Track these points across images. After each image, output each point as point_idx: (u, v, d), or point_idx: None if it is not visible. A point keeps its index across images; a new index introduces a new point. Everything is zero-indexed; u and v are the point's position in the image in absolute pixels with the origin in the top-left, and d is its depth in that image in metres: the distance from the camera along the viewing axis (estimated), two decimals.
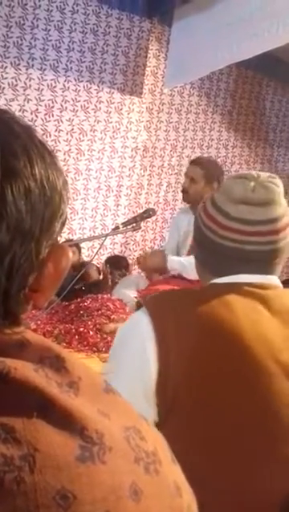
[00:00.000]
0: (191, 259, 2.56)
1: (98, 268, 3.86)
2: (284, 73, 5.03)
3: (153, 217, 4.65)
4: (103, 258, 4.07)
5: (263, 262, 1.03)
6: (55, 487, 0.35)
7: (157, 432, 0.47)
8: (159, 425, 0.92)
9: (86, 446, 0.38)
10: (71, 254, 0.52)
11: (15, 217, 0.42)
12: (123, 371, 0.97)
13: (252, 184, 1.02)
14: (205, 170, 2.84)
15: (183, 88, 4.80)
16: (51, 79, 4.16)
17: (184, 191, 2.90)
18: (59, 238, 0.51)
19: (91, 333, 2.05)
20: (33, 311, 2.45)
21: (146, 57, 4.53)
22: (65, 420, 0.39)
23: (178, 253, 3.00)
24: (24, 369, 0.40)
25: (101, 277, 3.77)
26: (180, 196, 4.76)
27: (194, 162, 2.99)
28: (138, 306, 1.03)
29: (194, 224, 1.12)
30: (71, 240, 4.01)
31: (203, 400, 0.91)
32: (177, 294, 1.08)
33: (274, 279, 1.06)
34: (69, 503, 0.35)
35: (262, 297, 1.00)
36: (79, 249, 3.89)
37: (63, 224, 0.49)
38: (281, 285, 1.07)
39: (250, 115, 5.22)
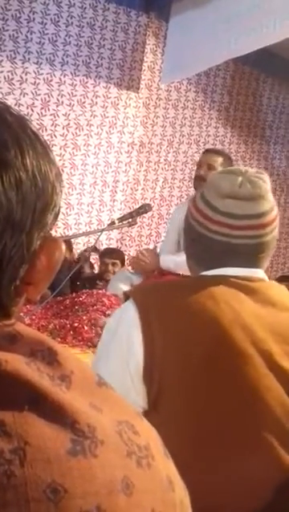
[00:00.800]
0: (184, 255, 2.55)
1: (91, 264, 3.85)
2: (281, 69, 5.02)
3: (149, 213, 4.65)
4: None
5: (250, 255, 1.05)
6: (46, 481, 0.35)
7: (151, 427, 0.47)
8: (148, 413, 0.94)
9: (77, 440, 0.38)
10: (64, 247, 0.51)
11: (6, 208, 0.41)
12: (111, 359, 1.00)
13: (239, 179, 1.05)
14: (223, 157, 2.81)
15: (180, 84, 4.79)
16: (47, 73, 4.13)
17: (200, 179, 2.81)
18: (52, 231, 0.50)
19: (85, 328, 2.05)
20: (27, 306, 2.45)
21: (143, 52, 4.51)
22: (56, 413, 0.38)
23: (179, 248, 2.97)
24: (15, 362, 0.40)
25: (96, 271, 3.77)
26: (176, 192, 4.79)
27: (211, 150, 2.98)
28: (126, 297, 1.06)
29: (185, 218, 1.14)
30: (67, 235, 4.00)
31: (185, 388, 0.93)
32: (163, 285, 1.13)
33: (260, 272, 1.08)
34: (60, 497, 0.35)
35: (246, 288, 1.02)
36: (70, 247, 3.84)
37: (56, 216, 0.49)
38: (267, 278, 1.09)
39: (247, 112, 5.21)
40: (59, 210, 0.48)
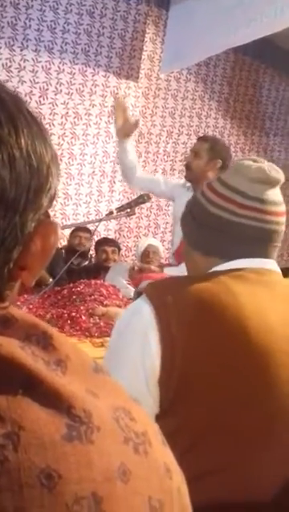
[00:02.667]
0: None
1: (84, 253, 3.82)
2: (282, 61, 4.99)
3: (148, 204, 4.63)
4: None
5: (267, 242, 1.03)
6: (40, 466, 0.34)
7: (148, 414, 0.46)
8: (160, 417, 0.91)
9: (73, 425, 0.37)
10: (60, 231, 0.50)
11: None
12: (125, 362, 0.95)
13: (264, 165, 1.04)
14: (209, 145, 2.74)
15: (180, 74, 4.75)
16: (46, 61, 4.09)
17: (187, 166, 2.79)
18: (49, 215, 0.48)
19: (83, 318, 2.02)
20: (25, 295, 2.43)
21: (143, 41, 4.47)
22: (51, 398, 0.38)
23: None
24: (10, 346, 0.39)
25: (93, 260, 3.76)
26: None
27: (201, 138, 2.94)
28: (138, 294, 1.00)
29: (196, 208, 1.08)
30: (65, 225, 3.97)
31: (209, 388, 0.90)
32: (178, 282, 1.05)
33: (274, 264, 1.05)
34: (54, 483, 0.34)
35: (263, 283, 0.99)
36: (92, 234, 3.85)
37: (52, 199, 0.47)
38: (278, 269, 1.06)
39: (247, 103, 5.18)
40: (54, 194, 0.47)
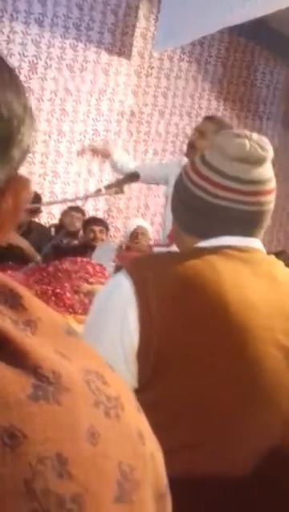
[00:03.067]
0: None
1: (75, 232, 3.78)
2: (277, 43, 4.92)
3: (138, 185, 4.58)
4: None
5: (251, 223, 1.01)
6: (3, 425, 0.33)
7: (122, 380, 0.44)
8: (139, 392, 0.89)
9: (40, 385, 0.36)
10: (31, 188, 0.46)
11: None
12: (103, 337, 0.94)
13: (247, 142, 0.99)
14: (216, 127, 2.65)
15: (173, 53, 4.66)
16: (36, 34, 3.99)
17: (190, 145, 2.70)
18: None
19: (68, 294, 1.99)
20: (9, 272, 2.38)
21: (136, 17, 4.38)
22: (18, 357, 0.36)
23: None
24: None
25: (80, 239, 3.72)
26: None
27: (208, 118, 2.87)
28: (117, 269, 0.98)
29: (179, 185, 1.07)
30: (53, 201, 3.92)
31: (187, 364, 0.89)
32: (158, 257, 1.06)
33: (258, 243, 1.04)
34: (17, 442, 0.33)
35: (247, 260, 0.98)
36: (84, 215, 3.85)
37: (25, 154, 0.45)
38: (263, 248, 1.05)
39: (241, 85, 5.11)
40: (27, 148, 0.45)
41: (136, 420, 0.42)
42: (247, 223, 1.00)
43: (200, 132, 2.66)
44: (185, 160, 2.77)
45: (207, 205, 0.99)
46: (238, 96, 5.12)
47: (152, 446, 0.42)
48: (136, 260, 1.01)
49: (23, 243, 3.05)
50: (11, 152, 0.42)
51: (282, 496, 0.88)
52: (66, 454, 0.34)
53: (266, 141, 1.02)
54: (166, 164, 3.00)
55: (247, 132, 1.02)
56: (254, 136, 1.02)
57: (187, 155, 2.76)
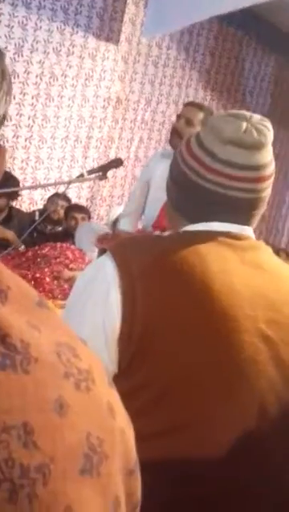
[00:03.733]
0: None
1: (59, 219, 3.77)
2: (266, 34, 4.91)
3: (122, 173, 4.55)
4: None
5: (242, 210, 0.97)
6: None
7: (94, 355, 0.44)
8: (119, 377, 0.88)
9: (8, 354, 0.35)
10: (6, 157, 0.46)
11: None
12: (84, 318, 0.92)
13: (244, 124, 0.94)
14: (204, 115, 2.59)
15: (162, 40, 4.61)
16: (23, 16, 3.91)
17: (176, 132, 2.60)
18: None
19: (47, 280, 1.97)
20: None
21: (125, 2, 4.32)
22: None
23: (138, 211, 2.83)
24: None
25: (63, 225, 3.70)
26: (151, 152, 4.64)
27: (192, 104, 2.77)
28: (102, 251, 0.96)
29: (173, 163, 1.03)
30: (35, 185, 3.87)
31: (170, 347, 0.88)
32: (144, 240, 1.03)
33: (249, 230, 1.00)
34: None
35: (235, 247, 0.95)
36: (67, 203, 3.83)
37: (2, 119, 0.44)
38: (254, 237, 1.02)
39: (228, 75, 5.09)
40: (4, 115, 0.44)
41: (107, 394, 0.42)
42: (239, 210, 0.96)
43: (187, 119, 2.60)
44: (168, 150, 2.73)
45: (195, 186, 0.96)
46: (225, 86, 5.10)
47: (122, 421, 0.42)
48: (121, 243, 0.99)
49: (9, 234, 3.02)
50: None
51: (259, 474, 0.88)
52: (32, 424, 0.34)
53: (266, 124, 0.96)
54: (143, 173, 2.95)
55: (248, 114, 0.97)
56: (255, 118, 0.96)
57: (171, 142, 2.70)
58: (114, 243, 1.00)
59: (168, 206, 1.08)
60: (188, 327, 0.88)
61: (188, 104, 2.78)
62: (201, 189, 0.95)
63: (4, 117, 0.44)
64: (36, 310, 0.41)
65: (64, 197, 3.72)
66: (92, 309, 0.92)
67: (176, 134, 2.58)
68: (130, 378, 0.87)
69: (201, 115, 2.60)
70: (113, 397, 0.43)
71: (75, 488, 0.35)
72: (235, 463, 0.87)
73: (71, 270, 2.10)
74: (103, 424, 0.40)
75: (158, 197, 2.65)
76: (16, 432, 0.33)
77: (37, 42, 4.01)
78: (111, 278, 0.90)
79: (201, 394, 0.88)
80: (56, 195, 3.75)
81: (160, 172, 2.68)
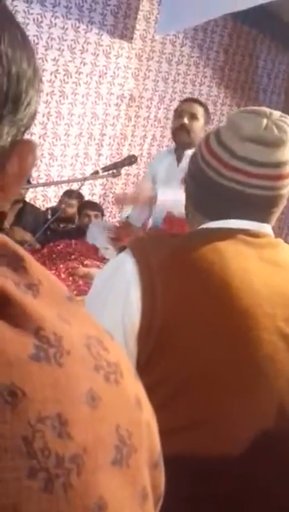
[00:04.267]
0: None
1: (72, 218, 3.78)
2: (280, 32, 4.87)
3: (135, 170, 4.55)
4: None
5: (261, 208, 0.97)
6: (4, 383, 0.33)
7: (121, 348, 0.45)
8: (137, 372, 0.88)
9: (41, 346, 0.36)
10: (38, 153, 0.46)
11: None
12: (103, 315, 0.93)
13: (264, 121, 0.94)
14: (204, 108, 2.69)
15: (175, 37, 4.60)
16: (38, 14, 3.92)
17: (183, 128, 2.63)
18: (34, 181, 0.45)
19: (62, 276, 1.98)
20: None
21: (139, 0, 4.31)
22: (20, 318, 0.36)
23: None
24: None
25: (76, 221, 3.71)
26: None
27: (191, 99, 2.84)
28: (122, 248, 0.96)
29: (192, 159, 1.04)
30: (49, 182, 3.89)
31: (189, 344, 0.88)
32: (163, 237, 1.01)
33: (267, 228, 1.00)
34: (17, 400, 0.33)
35: (253, 244, 0.96)
36: (80, 200, 3.82)
37: (31, 118, 0.45)
38: (273, 235, 1.02)
39: (242, 73, 5.06)
40: (35, 111, 0.44)
41: (135, 387, 0.43)
42: (257, 207, 0.96)
43: (191, 114, 2.63)
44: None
45: (213, 183, 0.96)
46: (239, 84, 5.07)
47: (148, 414, 0.43)
48: (140, 240, 0.98)
49: (27, 237, 3.05)
50: (19, 113, 0.41)
51: (279, 473, 0.89)
52: (66, 415, 0.35)
53: (286, 121, 0.95)
54: (148, 169, 2.96)
55: (268, 110, 0.96)
56: (275, 114, 0.95)
57: (178, 138, 2.71)
58: (133, 239, 1.00)
59: (187, 204, 1.08)
60: (207, 324, 0.88)
61: (187, 100, 2.86)
62: (220, 187, 0.96)
63: (35, 114, 0.45)
64: (66, 303, 0.42)
65: (73, 194, 3.72)
66: (112, 305, 0.92)
67: (183, 130, 2.61)
68: (149, 373, 0.87)
69: (202, 110, 2.66)
70: (140, 390, 0.44)
71: (106, 478, 0.36)
72: (254, 461, 0.87)
73: (85, 266, 2.11)
74: (132, 417, 0.40)
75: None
76: (51, 422, 0.34)
77: (51, 40, 4.02)
78: (131, 276, 0.90)
79: (219, 390, 0.89)
80: (66, 194, 3.76)
81: (164, 168, 2.72)
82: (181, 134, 2.66)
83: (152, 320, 0.88)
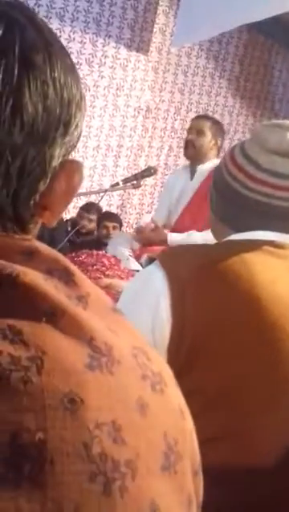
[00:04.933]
0: (193, 237, 2.54)
1: (89, 231, 3.82)
2: None
3: (152, 181, 4.59)
4: None
5: (287, 219, 0.98)
6: (63, 390, 0.34)
7: (163, 359, 0.46)
8: None
9: (94, 356, 0.37)
10: (84, 172, 0.49)
11: (30, 113, 0.39)
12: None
13: (288, 134, 0.96)
14: (211, 122, 2.81)
15: (191, 49, 4.65)
16: (57, 28, 4.00)
17: (190, 144, 2.76)
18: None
19: None
20: None
21: (155, 13, 4.38)
22: (74, 328, 0.38)
23: (169, 221, 2.92)
24: (33, 275, 0.39)
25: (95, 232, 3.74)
26: (181, 161, 4.68)
27: (199, 116, 2.96)
28: (150, 260, 0.97)
29: (217, 172, 1.05)
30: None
31: (216, 357, 0.89)
32: (192, 250, 1.02)
33: None
34: (76, 407, 0.34)
35: (280, 256, 0.96)
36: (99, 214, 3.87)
37: (78, 137, 0.47)
38: None
39: (258, 83, 5.09)
40: (81, 132, 0.47)
41: (177, 396, 0.44)
42: (283, 219, 0.97)
43: (197, 130, 2.74)
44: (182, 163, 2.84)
45: (239, 196, 0.97)
46: (254, 94, 5.10)
47: (190, 423, 0.44)
48: (169, 252, 1.00)
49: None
50: (69, 135, 0.43)
51: None
52: (120, 422, 0.36)
53: None
54: (164, 188, 3.09)
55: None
56: None
57: (186, 154, 2.83)
58: (162, 252, 1.01)
59: (212, 218, 1.09)
60: (236, 337, 0.89)
61: (195, 118, 2.97)
62: (246, 199, 0.97)
63: (80, 134, 0.47)
64: (111, 314, 0.43)
65: (90, 209, 3.74)
66: (141, 318, 0.92)
67: (190, 145, 2.77)
68: (179, 386, 0.89)
69: (208, 124, 2.78)
70: (182, 400, 0.45)
71: (157, 483, 0.37)
72: (282, 473, 0.88)
73: (107, 277, 2.14)
74: (177, 425, 0.42)
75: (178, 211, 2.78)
76: (107, 428, 0.35)
77: (70, 54, 4.07)
78: (161, 289, 0.90)
79: (249, 403, 0.89)
80: (85, 208, 3.78)
81: (180, 185, 2.84)
82: (187, 150, 2.83)
83: (182, 334, 0.88)
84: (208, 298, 0.90)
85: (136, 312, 0.95)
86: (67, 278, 0.41)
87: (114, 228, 3.55)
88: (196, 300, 0.89)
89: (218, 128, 2.82)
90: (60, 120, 0.42)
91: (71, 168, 0.45)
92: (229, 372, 0.89)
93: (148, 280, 0.95)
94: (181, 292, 0.89)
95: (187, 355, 0.88)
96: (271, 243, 0.97)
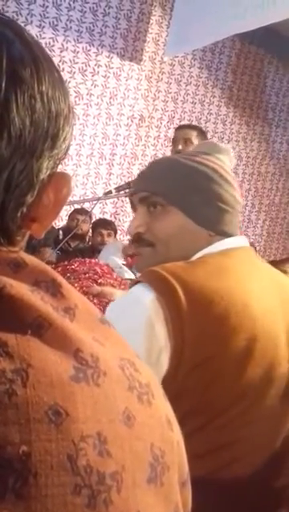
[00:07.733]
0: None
1: (82, 235, 3.81)
2: (287, 51, 4.95)
3: None
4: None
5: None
6: (48, 403, 0.34)
7: (150, 370, 0.46)
8: None
9: (80, 368, 0.37)
10: (73, 185, 0.49)
11: (18, 128, 0.40)
12: None
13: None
14: (197, 131, 2.81)
15: (184, 58, 4.69)
16: (50, 38, 4.02)
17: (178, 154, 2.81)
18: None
19: None
20: None
21: (148, 23, 4.42)
22: (60, 340, 0.38)
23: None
24: (20, 287, 0.39)
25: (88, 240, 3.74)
26: None
27: (183, 126, 2.99)
28: (135, 282, 0.87)
29: (204, 179, 1.00)
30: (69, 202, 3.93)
31: (217, 375, 0.86)
32: (181, 266, 0.94)
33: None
34: (61, 419, 0.34)
35: (250, 263, 0.97)
36: (90, 218, 3.87)
37: (67, 150, 0.47)
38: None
39: (250, 92, 5.13)
40: (69, 145, 0.47)
41: (165, 407, 0.44)
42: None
43: (185, 139, 2.76)
44: None
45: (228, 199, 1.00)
46: (247, 103, 5.14)
47: (178, 433, 0.44)
48: (156, 270, 0.90)
49: (51, 257, 3.09)
50: (56, 148, 0.43)
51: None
52: (105, 434, 0.36)
53: None
54: None
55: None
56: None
57: None
58: (148, 272, 0.91)
59: (191, 222, 1.00)
60: (234, 354, 0.86)
61: (180, 127, 2.96)
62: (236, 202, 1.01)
63: (69, 147, 0.47)
64: (99, 326, 0.43)
65: (84, 211, 3.73)
66: (134, 339, 0.86)
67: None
68: (177, 407, 0.86)
69: (194, 133, 2.80)
70: (169, 411, 0.44)
71: (143, 496, 0.37)
72: (279, 484, 0.88)
73: (99, 285, 2.13)
74: (164, 436, 0.41)
75: None
76: (92, 441, 0.35)
77: (63, 63, 4.11)
78: (154, 310, 0.84)
79: (247, 415, 0.88)
80: (75, 211, 3.79)
81: None
82: None
83: (181, 353, 0.83)
84: (203, 317, 0.85)
85: (126, 333, 0.90)
86: (54, 290, 0.41)
87: (109, 235, 3.56)
88: (192, 319, 0.84)
89: (204, 136, 2.86)
90: (48, 134, 0.42)
91: (60, 181, 0.45)
92: (231, 391, 0.87)
93: (136, 303, 0.87)
94: (175, 312, 0.84)
95: (185, 377, 0.84)
96: (242, 249, 0.98)
